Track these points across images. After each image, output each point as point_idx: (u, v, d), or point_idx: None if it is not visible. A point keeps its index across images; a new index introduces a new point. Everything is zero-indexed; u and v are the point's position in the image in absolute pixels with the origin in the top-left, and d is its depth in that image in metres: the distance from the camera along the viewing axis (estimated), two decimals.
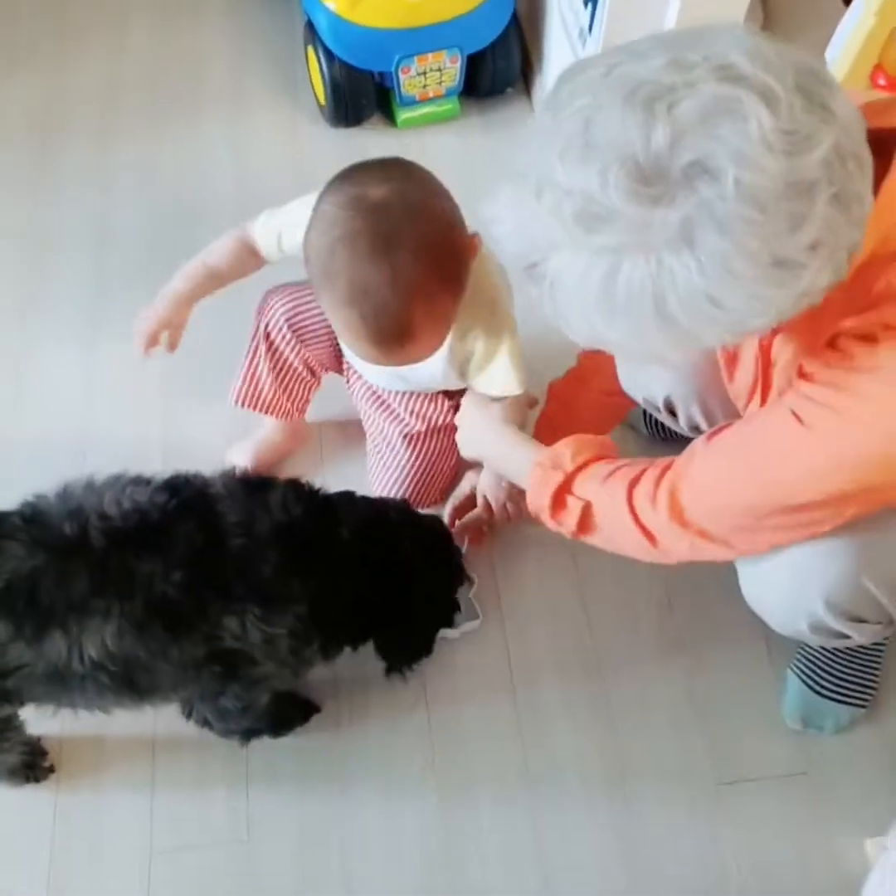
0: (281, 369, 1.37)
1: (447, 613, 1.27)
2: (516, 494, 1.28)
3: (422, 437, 1.37)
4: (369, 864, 1.20)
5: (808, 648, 1.28)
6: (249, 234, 1.25)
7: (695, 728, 1.28)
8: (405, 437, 1.36)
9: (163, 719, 1.23)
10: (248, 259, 1.28)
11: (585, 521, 1.04)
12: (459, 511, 1.38)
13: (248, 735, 1.21)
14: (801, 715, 1.27)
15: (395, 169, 1.06)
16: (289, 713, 1.26)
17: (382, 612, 1.12)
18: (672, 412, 1.17)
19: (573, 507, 1.04)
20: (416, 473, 1.37)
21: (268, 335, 1.34)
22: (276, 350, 1.35)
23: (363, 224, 1.00)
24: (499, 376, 1.21)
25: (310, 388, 1.41)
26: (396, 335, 1.03)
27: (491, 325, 1.18)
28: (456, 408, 1.32)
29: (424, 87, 1.77)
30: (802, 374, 0.83)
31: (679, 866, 1.20)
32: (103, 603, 0.92)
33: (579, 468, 1.04)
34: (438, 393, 1.36)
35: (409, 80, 1.74)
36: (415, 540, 1.17)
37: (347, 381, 1.42)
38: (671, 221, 0.64)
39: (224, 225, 1.28)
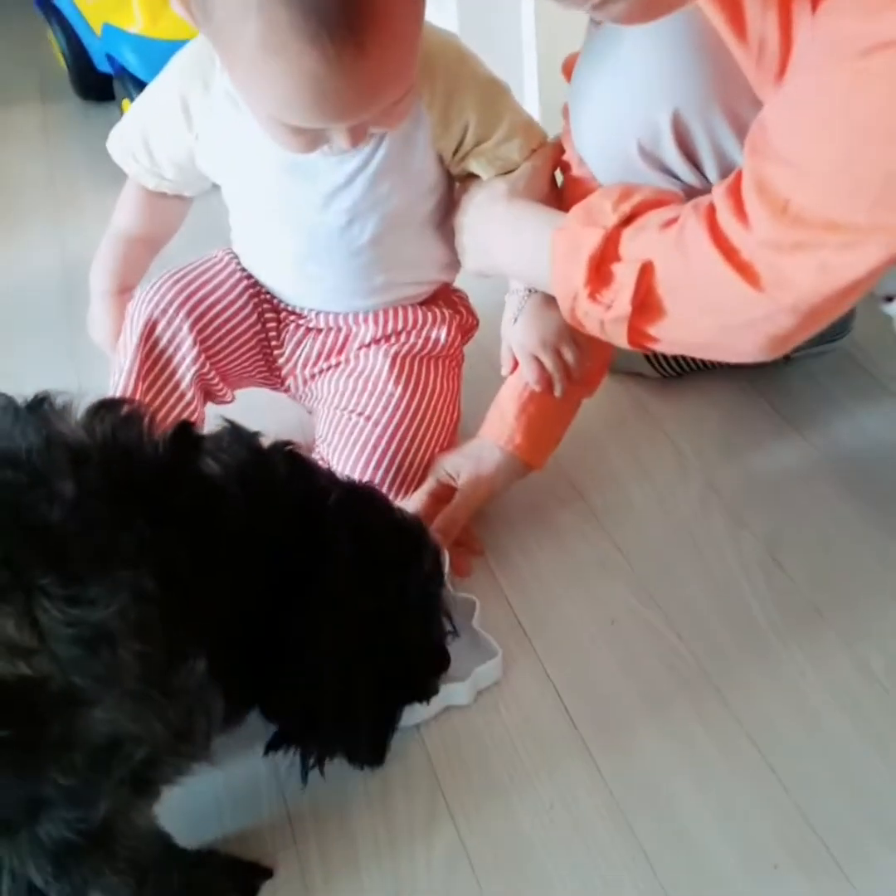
0: (160, 391, 0.91)
1: (425, 663, 0.76)
2: (568, 331, 0.84)
3: (416, 360, 0.93)
4: None
5: None
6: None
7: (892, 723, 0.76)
8: (393, 360, 0.91)
9: None
10: (160, 205, 0.96)
11: (646, 292, 0.66)
12: (430, 508, 0.89)
13: None
14: None
15: None
16: (215, 887, 0.71)
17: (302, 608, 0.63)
18: (686, 147, 0.73)
19: (624, 276, 0.65)
20: (408, 420, 0.90)
21: (151, 332, 0.89)
22: (162, 359, 0.90)
23: None
24: (503, 143, 0.85)
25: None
26: (345, 7, 0.61)
27: (480, 95, 0.84)
28: (456, 324, 0.97)
29: None
30: None
31: None
32: None
33: (626, 220, 0.67)
34: (432, 306, 0.97)
35: None
36: (347, 496, 0.69)
37: (284, 353, 0.97)
38: None
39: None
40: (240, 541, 0.60)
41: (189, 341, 0.89)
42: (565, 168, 0.86)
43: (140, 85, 1.43)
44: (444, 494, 0.90)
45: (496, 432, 0.90)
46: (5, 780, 0.54)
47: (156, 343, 0.89)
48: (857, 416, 1.00)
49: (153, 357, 0.89)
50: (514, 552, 0.93)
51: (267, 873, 0.74)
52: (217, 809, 0.77)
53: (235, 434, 0.66)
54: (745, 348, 0.67)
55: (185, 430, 0.62)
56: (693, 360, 1.05)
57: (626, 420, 1.04)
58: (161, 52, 1.38)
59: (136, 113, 0.91)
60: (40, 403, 0.58)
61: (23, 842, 0.57)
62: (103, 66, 1.62)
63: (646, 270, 0.66)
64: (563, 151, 0.87)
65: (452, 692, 0.80)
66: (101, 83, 1.70)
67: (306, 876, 0.73)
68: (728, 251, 0.61)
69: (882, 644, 0.81)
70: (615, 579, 0.89)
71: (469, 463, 0.90)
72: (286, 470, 0.67)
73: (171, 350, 0.89)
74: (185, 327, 0.89)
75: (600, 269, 0.68)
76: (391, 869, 0.73)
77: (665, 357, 1.05)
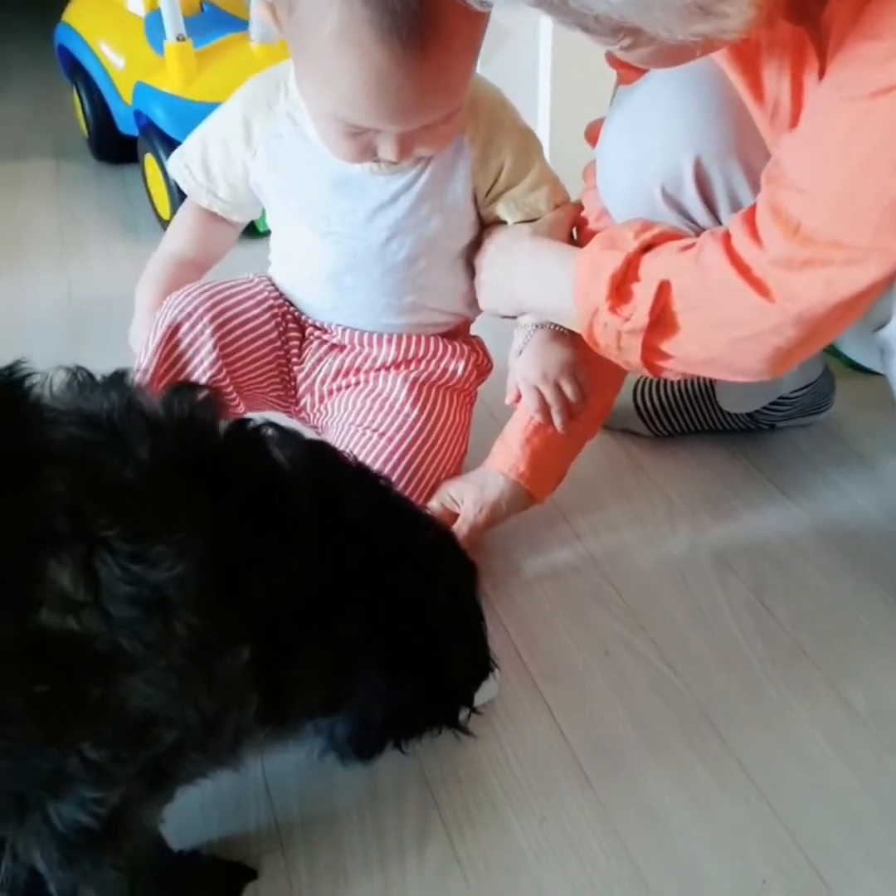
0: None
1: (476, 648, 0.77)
2: (574, 365, 0.91)
3: (432, 388, 0.97)
4: None
5: None
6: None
7: (886, 768, 0.78)
8: (411, 384, 0.95)
9: None
10: (210, 227, 1.01)
11: (662, 309, 0.71)
12: None
13: None
14: None
15: None
16: (198, 887, 0.70)
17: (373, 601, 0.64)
18: (705, 192, 0.80)
19: (643, 293, 0.71)
20: (420, 440, 0.92)
21: (174, 333, 0.92)
22: (180, 360, 0.92)
23: None
24: (531, 191, 0.93)
25: None
26: (417, 15, 0.70)
27: (517, 141, 0.93)
28: (473, 361, 1.01)
29: None
30: None
31: None
32: None
33: (645, 247, 0.73)
34: (452, 340, 1.01)
35: None
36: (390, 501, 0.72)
37: (304, 369, 1.00)
38: None
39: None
40: (304, 530, 0.61)
41: (209, 346, 0.92)
42: (581, 223, 0.93)
43: (166, 141, 1.50)
44: (446, 520, 0.93)
45: (501, 461, 0.93)
46: (34, 745, 0.52)
47: (177, 344, 0.92)
48: (835, 480, 1.05)
49: (172, 358, 0.92)
50: (511, 584, 0.95)
51: (251, 874, 0.72)
52: (202, 814, 0.76)
53: (283, 431, 0.67)
54: (748, 363, 0.72)
55: (246, 422, 0.64)
56: (684, 421, 1.11)
57: (620, 472, 1.09)
58: (191, 111, 1.47)
59: (200, 134, 0.96)
60: (120, 377, 0.60)
61: (33, 825, 0.55)
62: (126, 129, 1.69)
63: (663, 288, 0.71)
64: (581, 210, 0.94)
65: None
66: (119, 145, 1.78)
67: (292, 879, 0.72)
68: (742, 268, 0.67)
69: (863, 682, 0.84)
70: (609, 613, 0.92)
71: (474, 489, 0.93)
72: (347, 464, 0.69)
73: (190, 353, 0.92)
74: (208, 331, 0.92)
75: (621, 289, 0.74)
76: (380, 875, 0.72)
77: (658, 416, 1.11)
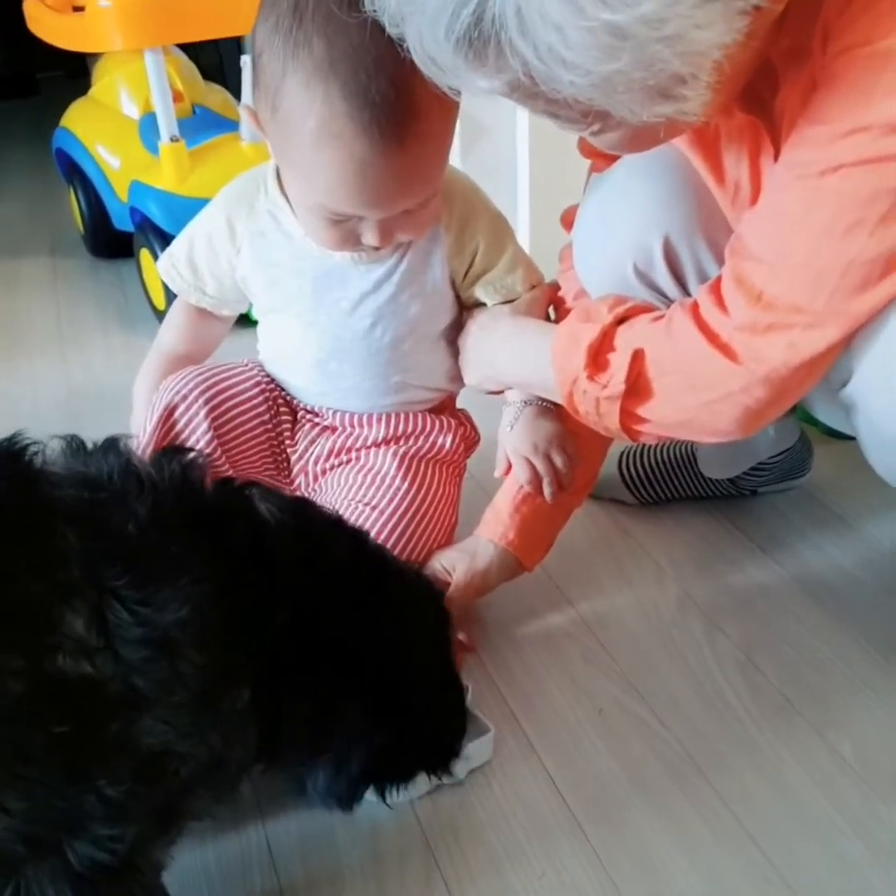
0: None
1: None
2: (562, 438, 0.95)
3: (422, 461, 1.00)
4: None
5: None
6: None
7: (876, 812, 0.79)
8: (401, 459, 0.98)
9: None
10: (200, 323, 1.05)
11: (636, 376, 0.75)
12: None
13: None
14: None
15: None
16: None
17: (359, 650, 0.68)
18: (674, 268, 0.85)
19: (618, 361, 0.75)
20: (411, 513, 0.95)
21: (170, 415, 0.96)
22: (176, 441, 0.96)
23: None
24: (508, 274, 0.97)
25: None
26: (395, 107, 0.75)
27: (490, 226, 0.97)
28: (460, 434, 1.04)
29: None
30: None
31: None
32: None
33: (620, 319, 0.78)
34: (439, 415, 1.04)
35: None
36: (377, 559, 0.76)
37: (297, 451, 1.03)
38: None
39: None
40: (293, 579, 0.65)
41: (204, 426, 0.95)
42: (559, 303, 0.99)
43: (161, 235, 1.57)
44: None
45: (491, 530, 0.97)
46: (53, 786, 0.54)
47: (173, 426, 0.96)
48: (817, 542, 1.09)
49: (170, 439, 0.95)
50: (505, 649, 0.97)
51: None
52: (206, 878, 0.77)
53: (266, 488, 0.71)
54: (720, 424, 0.76)
55: (231, 479, 0.69)
56: (668, 489, 1.15)
57: (609, 539, 1.12)
58: (184, 206, 1.55)
59: (186, 235, 1.00)
60: (114, 442, 0.65)
61: (49, 864, 0.57)
62: (121, 225, 1.77)
63: (637, 356, 0.75)
64: (558, 289, 0.99)
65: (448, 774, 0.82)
66: (114, 241, 1.85)
67: None
68: (710, 335, 0.72)
69: (849, 731, 0.86)
70: (601, 674, 0.94)
71: (464, 557, 0.96)
72: (327, 517, 0.73)
73: (186, 433, 0.96)
74: (202, 413, 0.95)
75: (598, 358, 0.78)
76: None
77: (643, 484, 1.15)
